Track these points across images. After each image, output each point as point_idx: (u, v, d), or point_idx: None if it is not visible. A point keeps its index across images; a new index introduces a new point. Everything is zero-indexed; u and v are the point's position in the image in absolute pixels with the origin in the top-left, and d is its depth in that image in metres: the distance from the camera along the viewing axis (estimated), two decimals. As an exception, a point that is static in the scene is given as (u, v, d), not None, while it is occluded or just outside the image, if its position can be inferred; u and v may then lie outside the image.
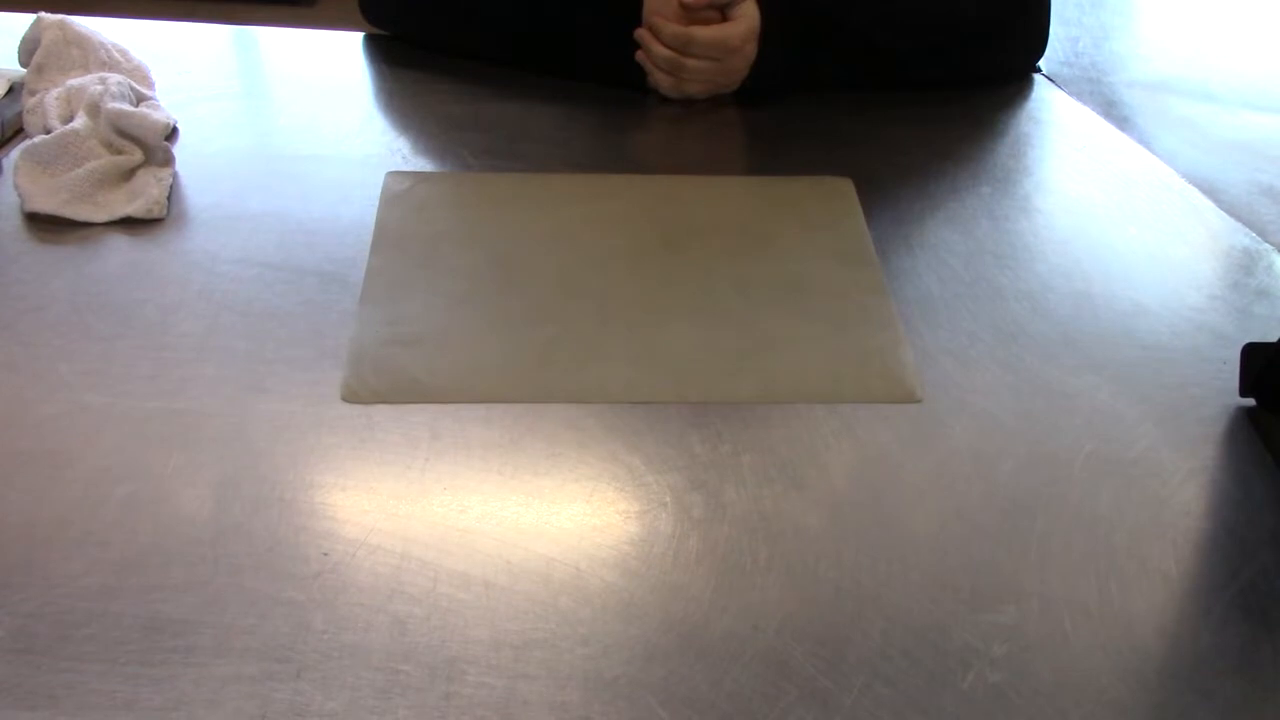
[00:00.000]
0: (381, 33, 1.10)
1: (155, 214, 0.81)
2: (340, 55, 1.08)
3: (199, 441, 0.63)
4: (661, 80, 0.99)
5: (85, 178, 0.81)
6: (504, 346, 0.71)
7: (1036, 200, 0.90)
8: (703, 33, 0.95)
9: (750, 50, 0.97)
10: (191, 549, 0.56)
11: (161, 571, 0.55)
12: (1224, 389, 0.70)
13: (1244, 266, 0.83)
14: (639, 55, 0.98)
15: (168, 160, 0.85)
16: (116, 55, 0.95)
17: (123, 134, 0.84)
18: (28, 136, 0.87)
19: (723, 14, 0.96)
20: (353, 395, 0.66)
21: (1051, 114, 1.04)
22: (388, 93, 1.02)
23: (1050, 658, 0.54)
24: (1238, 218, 0.89)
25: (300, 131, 0.94)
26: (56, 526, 0.57)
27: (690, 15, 0.95)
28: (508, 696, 0.50)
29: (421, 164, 0.90)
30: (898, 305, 0.76)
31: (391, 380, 0.68)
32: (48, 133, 0.84)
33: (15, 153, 0.83)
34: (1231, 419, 0.68)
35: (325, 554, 0.56)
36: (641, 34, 0.97)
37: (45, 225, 0.79)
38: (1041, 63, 1.10)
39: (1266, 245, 0.85)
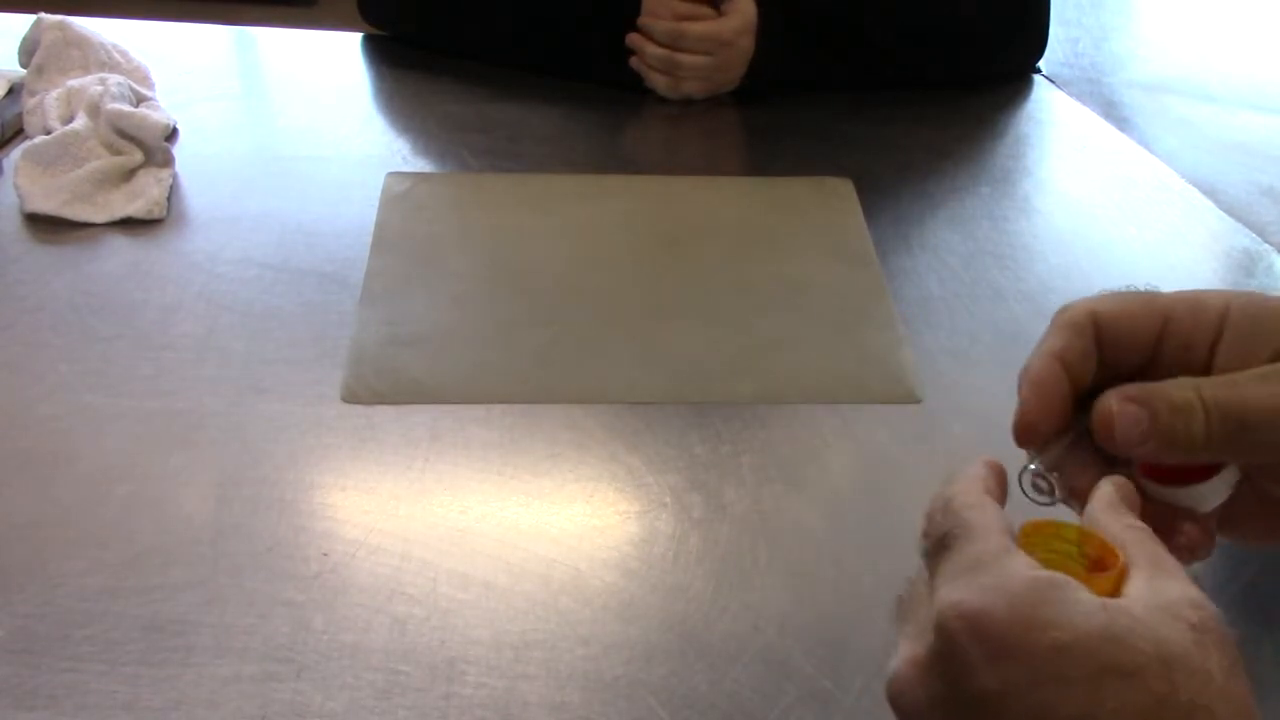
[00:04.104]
0: (381, 33, 1.10)
1: (155, 214, 0.81)
2: (340, 56, 1.08)
3: (199, 441, 0.63)
4: (658, 81, 0.99)
5: (85, 178, 0.81)
6: (504, 347, 0.71)
7: (1036, 200, 0.90)
8: (695, 27, 0.95)
9: (746, 45, 0.97)
10: (191, 549, 0.56)
11: (161, 571, 0.55)
12: (1224, 389, 0.70)
13: (1244, 266, 0.83)
14: (633, 61, 0.98)
15: (167, 161, 0.85)
16: (116, 56, 0.95)
17: (123, 134, 0.84)
18: (28, 137, 0.87)
19: (717, 10, 0.96)
20: (353, 396, 0.66)
21: (1051, 114, 1.04)
22: (388, 93, 1.02)
23: (1050, 658, 0.53)
24: (1238, 218, 0.89)
25: (300, 132, 0.95)
26: (57, 526, 0.57)
27: (684, 10, 0.95)
28: (508, 696, 0.50)
29: (421, 164, 0.90)
30: (898, 305, 0.76)
31: (392, 381, 0.68)
32: (48, 133, 0.84)
33: (15, 153, 0.83)
34: (1231, 419, 0.68)
35: (325, 554, 0.56)
36: (633, 38, 0.98)
37: (45, 225, 0.79)
38: (1041, 63, 1.10)
39: (1266, 245, 0.85)
